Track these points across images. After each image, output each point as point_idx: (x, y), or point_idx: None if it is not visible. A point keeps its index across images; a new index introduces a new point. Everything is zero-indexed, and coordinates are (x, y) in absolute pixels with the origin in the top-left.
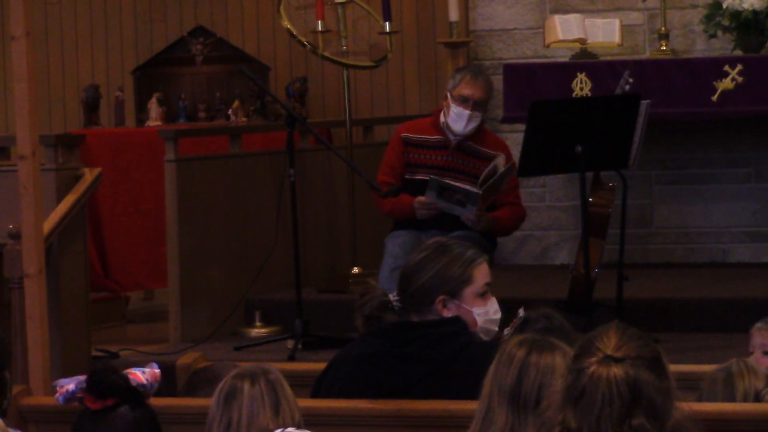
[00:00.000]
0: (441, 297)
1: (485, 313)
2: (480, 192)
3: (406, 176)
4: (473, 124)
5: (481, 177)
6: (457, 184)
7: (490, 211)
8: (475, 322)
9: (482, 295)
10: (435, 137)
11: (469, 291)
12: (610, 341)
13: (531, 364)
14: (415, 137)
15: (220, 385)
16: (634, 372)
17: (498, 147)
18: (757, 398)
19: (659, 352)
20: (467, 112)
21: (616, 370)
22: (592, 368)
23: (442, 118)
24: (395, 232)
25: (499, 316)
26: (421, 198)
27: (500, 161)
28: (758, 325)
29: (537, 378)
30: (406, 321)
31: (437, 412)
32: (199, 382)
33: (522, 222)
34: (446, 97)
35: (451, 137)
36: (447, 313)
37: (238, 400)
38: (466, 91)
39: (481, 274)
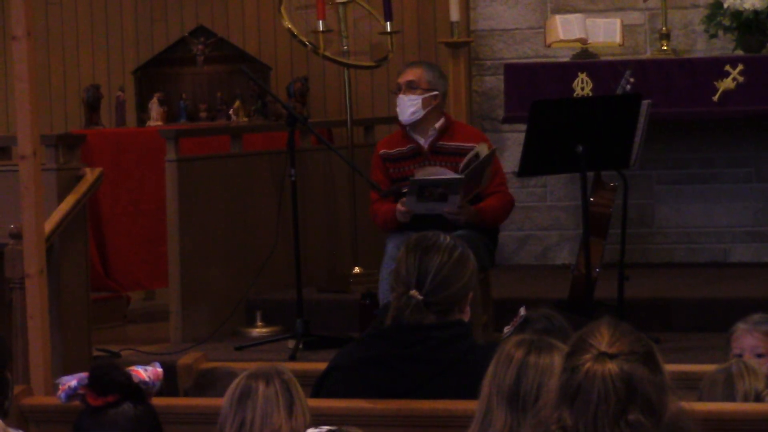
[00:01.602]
0: (471, 294)
1: None
2: (462, 176)
3: None
4: (411, 109)
5: (463, 163)
6: (438, 177)
7: (474, 204)
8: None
9: None
10: (408, 147)
11: None
12: (603, 338)
13: (530, 364)
14: (392, 152)
15: (233, 384)
16: (628, 367)
17: (471, 138)
18: (758, 399)
19: (652, 346)
20: (399, 96)
21: (611, 367)
22: (587, 365)
23: (399, 118)
24: (395, 233)
25: None
26: (401, 207)
27: (482, 148)
28: (742, 326)
29: (536, 378)
30: (408, 323)
31: (439, 412)
32: (209, 382)
33: (511, 208)
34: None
35: (422, 141)
36: (467, 309)
37: (252, 400)
38: (399, 78)
39: None
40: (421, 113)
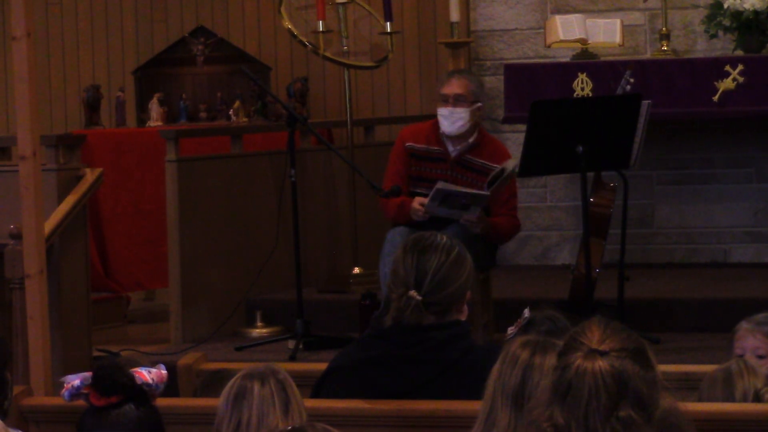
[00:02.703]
0: (469, 293)
1: None
2: (488, 193)
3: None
4: (459, 123)
5: (489, 177)
6: (464, 190)
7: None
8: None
9: None
10: (436, 149)
11: None
12: (593, 335)
13: (535, 365)
14: (419, 147)
15: (229, 385)
16: (619, 364)
17: (499, 157)
18: (757, 398)
19: (643, 343)
20: (448, 108)
21: (601, 363)
22: (577, 363)
23: (440, 128)
24: (396, 228)
25: None
26: (422, 200)
27: (509, 163)
28: (746, 326)
29: (541, 379)
30: (409, 323)
31: (439, 412)
32: (218, 383)
33: (516, 233)
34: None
35: (450, 148)
36: (465, 309)
37: (248, 401)
38: (444, 90)
39: None
40: (468, 126)
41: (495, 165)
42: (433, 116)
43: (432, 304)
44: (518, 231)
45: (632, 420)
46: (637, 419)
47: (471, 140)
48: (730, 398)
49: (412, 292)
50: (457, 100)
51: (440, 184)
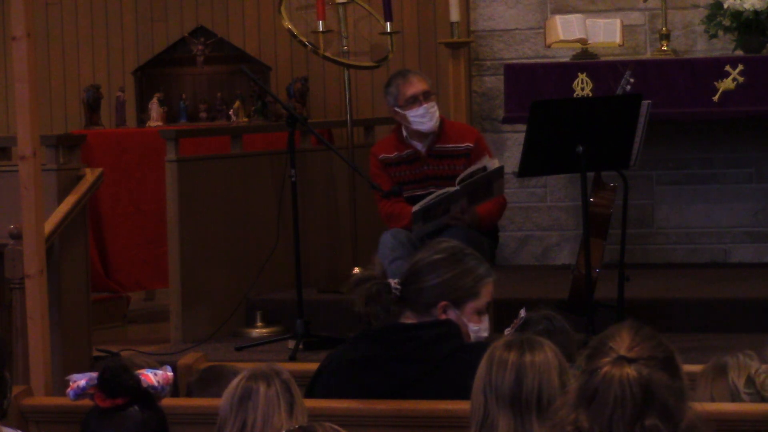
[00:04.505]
0: (444, 303)
1: (477, 331)
2: (458, 188)
3: None
4: (436, 115)
5: (465, 173)
6: (437, 197)
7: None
8: (468, 335)
9: (480, 313)
10: (406, 152)
11: (471, 305)
12: (623, 341)
13: (526, 364)
14: (391, 157)
15: (232, 386)
16: (647, 372)
17: (463, 137)
18: (749, 380)
19: (672, 351)
20: (424, 106)
21: (629, 371)
22: (605, 368)
23: (404, 132)
24: (390, 230)
25: (487, 335)
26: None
27: (491, 162)
28: None
29: (535, 377)
30: (397, 323)
31: (438, 412)
32: (213, 379)
33: (505, 207)
34: (396, 113)
35: (419, 146)
36: (443, 318)
37: (254, 402)
38: (410, 91)
39: (487, 292)
40: (438, 120)
41: (463, 144)
42: None
43: (403, 299)
44: (506, 205)
45: (657, 429)
46: (662, 429)
47: (435, 130)
48: (723, 387)
49: (394, 281)
50: (426, 96)
51: (413, 209)
